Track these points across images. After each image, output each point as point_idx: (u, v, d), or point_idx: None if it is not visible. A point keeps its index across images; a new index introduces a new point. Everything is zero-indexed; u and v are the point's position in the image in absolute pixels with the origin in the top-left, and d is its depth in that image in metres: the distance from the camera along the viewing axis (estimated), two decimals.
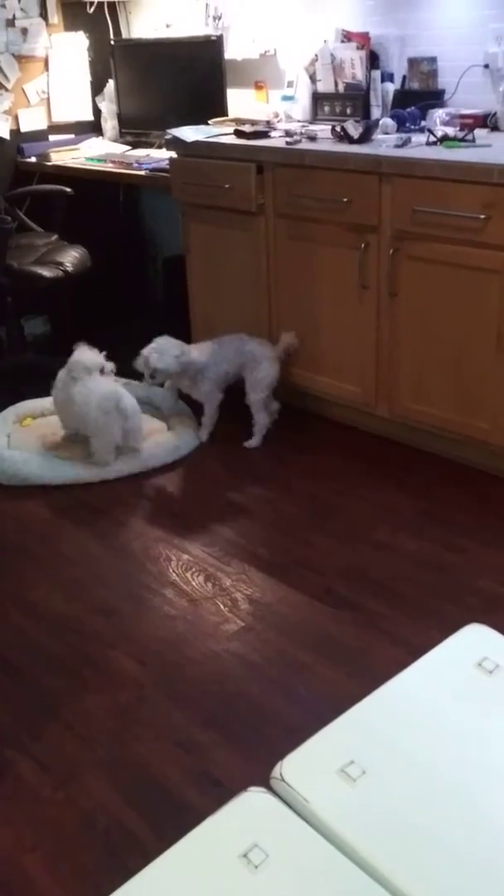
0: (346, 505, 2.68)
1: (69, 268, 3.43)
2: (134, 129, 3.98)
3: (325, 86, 3.27)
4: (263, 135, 3.05)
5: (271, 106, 3.54)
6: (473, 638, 1.34)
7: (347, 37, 3.19)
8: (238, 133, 3.08)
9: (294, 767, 1.13)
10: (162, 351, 2.88)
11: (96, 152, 3.82)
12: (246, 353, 2.97)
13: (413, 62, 3.10)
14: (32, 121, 3.94)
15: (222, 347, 3.00)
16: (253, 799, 1.10)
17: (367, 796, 1.09)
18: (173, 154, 3.21)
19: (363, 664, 2.01)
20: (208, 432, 3.07)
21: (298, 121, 3.34)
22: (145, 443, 2.97)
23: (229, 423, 3.18)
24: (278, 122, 3.32)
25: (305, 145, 2.85)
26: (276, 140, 2.98)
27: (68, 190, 3.60)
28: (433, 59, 3.06)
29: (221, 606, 2.24)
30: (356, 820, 1.06)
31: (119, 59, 3.92)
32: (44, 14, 3.84)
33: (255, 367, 2.96)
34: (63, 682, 2.01)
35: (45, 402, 3.27)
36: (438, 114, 2.88)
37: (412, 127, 2.91)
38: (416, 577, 2.32)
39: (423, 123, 2.91)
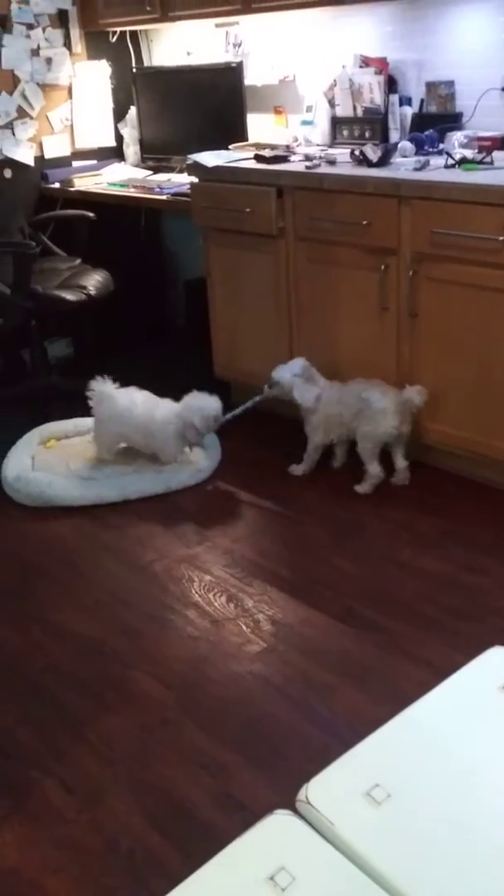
0: (367, 525, 2.68)
1: (92, 291, 3.48)
2: (155, 155, 4.03)
3: (343, 110, 3.31)
4: (283, 159, 3.08)
5: (291, 130, 3.58)
6: (496, 661, 1.35)
7: (366, 62, 3.23)
8: (258, 158, 3.12)
9: (319, 790, 1.13)
10: (287, 365, 2.94)
11: (118, 177, 3.88)
12: (363, 400, 2.79)
13: (431, 86, 3.13)
14: (56, 147, 4.01)
15: (343, 393, 2.86)
16: (279, 821, 1.10)
17: (392, 819, 1.09)
18: (194, 179, 3.25)
19: (385, 686, 2.01)
20: (303, 469, 2.99)
21: (318, 145, 3.37)
22: (168, 465, 3.01)
23: (253, 447, 3.20)
24: (298, 146, 3.36)
25: (325, 169, 2.88)
26: (296, 164, 3.01)
27: (91, 215, 3.65)
28: (451, 83, 3.09)
29: (244, 627, 2.25)
30: (381, 843, 1.06)
31: (141, 87, 3.99)
32: (68, 44, 3.92)
33: (369, 415, 2.77)
34: (86, 703, 2.02)
35: (69, 424, 3.31)
36: (456, 136, 2.91)
37: (430, 150, 2.93)
38: (438, 597, 2.32)
39: (441, 146, 2.94)
